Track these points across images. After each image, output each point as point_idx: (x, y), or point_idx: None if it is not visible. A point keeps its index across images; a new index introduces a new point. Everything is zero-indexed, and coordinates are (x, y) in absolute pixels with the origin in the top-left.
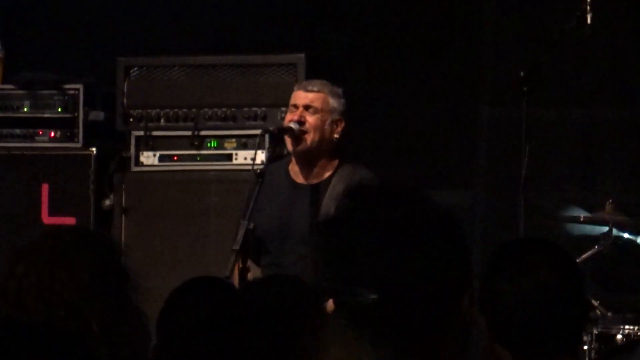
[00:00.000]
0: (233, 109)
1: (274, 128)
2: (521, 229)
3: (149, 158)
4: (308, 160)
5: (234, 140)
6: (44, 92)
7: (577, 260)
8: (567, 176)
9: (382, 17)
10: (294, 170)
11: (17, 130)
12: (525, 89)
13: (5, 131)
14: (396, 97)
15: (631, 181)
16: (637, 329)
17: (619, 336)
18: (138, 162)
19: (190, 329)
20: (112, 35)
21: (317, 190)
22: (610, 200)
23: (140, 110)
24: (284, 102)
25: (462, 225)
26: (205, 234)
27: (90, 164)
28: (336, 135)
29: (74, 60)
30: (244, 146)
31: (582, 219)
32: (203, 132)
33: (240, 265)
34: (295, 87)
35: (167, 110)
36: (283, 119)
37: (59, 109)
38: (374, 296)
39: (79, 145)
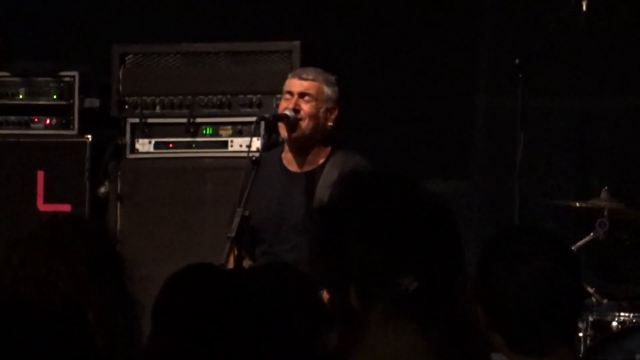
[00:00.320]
0: (228, 96)
1: (269, 115)
2: (516, 217)
3: (144, 145)
4: (302, 148)
5: (229, 127)
6: (40, 79)
7: (573, 248)
8: (562, 164)
9: (378, 6)
10: (287, 158)
11: (13, 118)
12: (520, 77)
13: (0, 118)
14: (392, 85)
15: (626, 169)
16: (633, 317)
17: (614, 323)
18: (133, 150)
19: (185, 317)
20: (108, 22)
21: (310, 178)
22: (606, 188)
23: (135, 98)
24: (279, 89)
25: (454, 214)
26: (201, 221)
27: (85, 152)
28: (330, 123)
29: (70, 48)
30: (239, 133)
31: (577, 207)
32: (198, 120)
33: (236, 253)
34: (289, 75)
35: (163, 97)
36: (278, 106)
37: (55, 97)
38: (415, 284)
39: (75, 132)
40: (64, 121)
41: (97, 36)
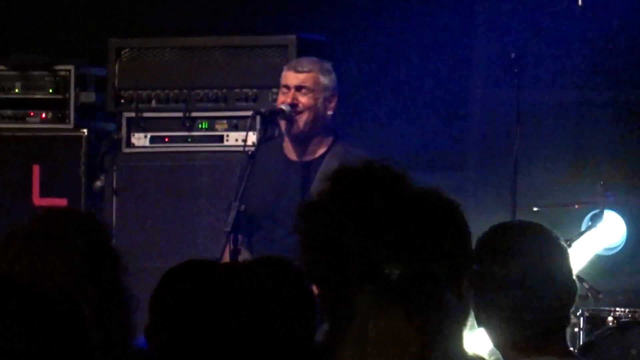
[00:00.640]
0: (224, 91)
1: (265, 110)
2: (512, 209)
3: (140, 139)
4: (302, 140)
5: (225, 121)
6: (35, 73)
7: (567, 241)
8: (557, 157)
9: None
10: (288, 147)
11: (8, 112)
12: (516, 70)
13: None
14: (387, 78)
15: (622, 162)
16: (628, 311)
17: (610, 318)
18: (129, 144)
19: (182, 311)
20: (104, 16)
21: (309, 168)
22: (602, 182)
23: (131, 92)
24: (275, 83)
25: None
26: (196, 215)
27: (81, 146)
28: (330, 112)
29: (66, 42)
30: (235, 127)
31: (572, 200)
32: (194, 114)
33: (231, 247)
34: (284, 68)
35: (158, 91)
36: (274, 100)
37: (50, 91)
38: (397, 272)
39: (70, 126)
40: (59, 115)
41: (93, 30)
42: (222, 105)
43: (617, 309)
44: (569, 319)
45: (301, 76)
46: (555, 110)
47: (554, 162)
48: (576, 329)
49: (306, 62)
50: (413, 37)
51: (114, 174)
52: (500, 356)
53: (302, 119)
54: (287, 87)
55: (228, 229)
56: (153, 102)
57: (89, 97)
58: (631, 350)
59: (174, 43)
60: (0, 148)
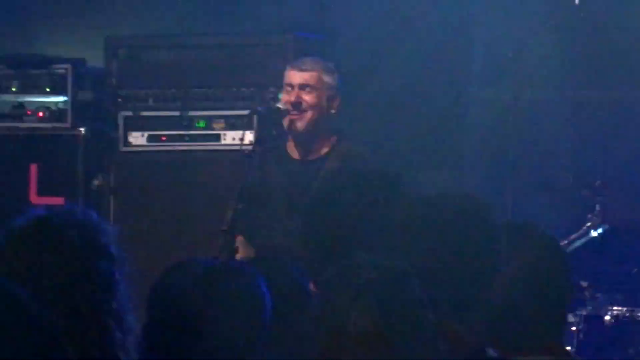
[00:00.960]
0: (221, 90)
1: (262, 108)
2: (509, 209)
3: (137, 138)
4: (305, 138)
5: (222, 120)
6: (33, 72)
7: (566, 241)
8: (554, 156)
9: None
10: (291, 146)
11: (6, 110)
12: (513, 70)
13: None
14: (385, 78)
15: (618, 161)
16: (626, 310)
17: (608, 317)
18: (126, 143)
19: (179, 310)
20: (102, 15)
21: (313, 167)
22: (599, 181)
23: (128, 91)
24: (272, 82)
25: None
26: (194, 213)
27: (79, 144)
28: (333, 111)
29: (63, 41)
30: (232, 126)
31: (569, 199)
32: (191, 113)
33: (229, 246)
34: (287, 67)
35: (156, 90)
36: (272, 99)
37: (48, 89)
38: (373, 275)
39: (68, 125)
40: (57, 114)
41: (90, 29)
42: (220, 104)
43: (615, 308)
44: (565, 319)
45: (305, 75)
46: (552, 110)
47: (551, 161)
48: (573, 328)
49: (310, 61)
50: (411, 36)
51: (112, 173)
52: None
53: (306, 118)
54: (291, 85)
55: (225, 227)
56: (150, 101)
57: (87, 96)
58: (629, 349)
59: (171, 42)
60: None
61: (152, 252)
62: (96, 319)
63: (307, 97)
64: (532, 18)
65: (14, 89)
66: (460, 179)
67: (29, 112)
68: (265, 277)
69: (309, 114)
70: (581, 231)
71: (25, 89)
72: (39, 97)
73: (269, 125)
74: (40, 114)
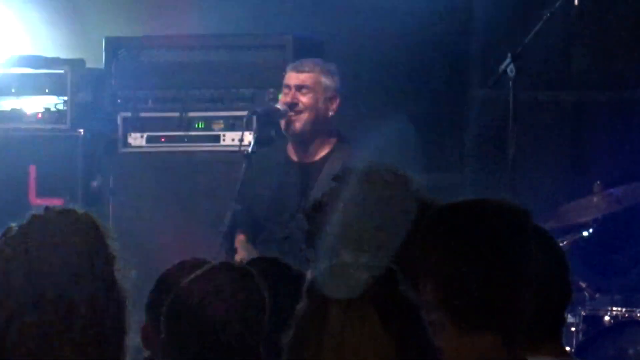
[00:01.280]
0: (221, 90)
1: (261, 109)
2: None
3: (136, 139)
4: (303, 140)
5: (221, 121)
6: (32, 73)
7: (565, 242)
8: (555, 157)
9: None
10: (291, 148)
11: (5, 112)
12: (513, 70)
13: None
14: (385, 78)
15: (619, 162)
16: (625, 311)
17: (607, 318)
18: (126, 144)
19: (179, 312)
20: (101, 16)
21: (312, 169)
22: (599, 182)
23: (128, 92)
24: (271, 83)
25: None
26: (193, 215)
27: (78, 146)
28: (331, 113)
29: (62, 42)
30: (231, 127)
31: (569, 200)
32: (191, 114)
33: (228, 247)
34: (287, 68)
35: (155, 91)
36: (271, 100)
37: (47, 90)
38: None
39: (67, 126)
40: (56, 115)
41: (90, 30)
42: (219, 105)
43: (614, 308)
44: (564, 319)
45: (302, 76)
46: (552, 110)
47: (550, 162)
48: (573, 329)
49: (308, 63)
50: (410, 37)
51: (111, 174)
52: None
53: (302, 119)
54: (289, 86)
55: (224, 229)
56: (150, 102)
57: (86, 97)
58: (628, 350)
59: (170, 43)
60: None
61: (151, 253)
62: (95, 319)
63: (303, 99)
64: (531, 17)
65: (13, 90)
66: (460, 181)
67: (28, 113)
68: (264, 278)
69: (304, 115)
70: (581, 232)
71: (24, 90)
72: (38, 98)
73: (268, 126)
74: (40, 115)
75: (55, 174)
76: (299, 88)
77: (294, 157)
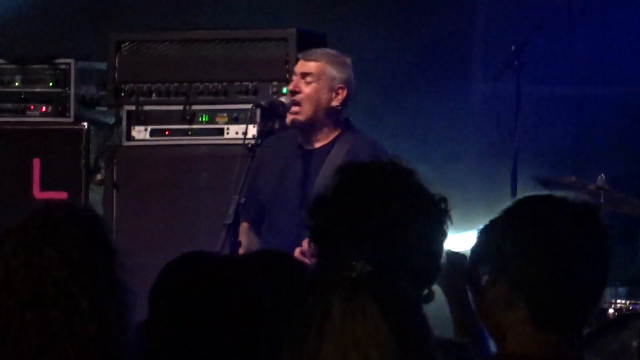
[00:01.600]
0: (224, 84)
1: (265, 102)
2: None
3: (140, 133)
4: (307, 130)
5: (225, 114)
6: (36, 66)
7: None
8: (558, 151)
9: None
10: (300, 136)
11: (9, 105)
12: (516, 64)
13: None
14: (387, 72)
15: (622, 155)
16: (629, 303)
17: (611, 310)
18: (129, 137)
19: (181, 304)
20: (104, 10)
21: (317, 155)
22: (602, 175)
23: (131, 85)
24: (275, 76)
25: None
26: (197, 208)
27: (81, 139)
28: (336, 103)
29: (66, 35)
30: (235, 120)
31: (573, 194)
32: (194, 107)
33: (231, 240)
34: (299, 56)
35: (159, 84)
36: (275, 93)
37: (51, 84)
38: (368, 268)
39: (71, 120)
40: (59, 109)
41: (93, 24)
42: (222, 98)
43: (618, 301)
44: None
45: (308, 64)
46: (555, 104)
47: (554, 156)
48: None
49: (317, 52)
50: (413, 31)
51: (114, 168)
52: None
53: (301, 111)
54: (295, 73)
55: (228, 221)
56: (153, 95)
57: (89, 90)
58: (632, 343)
59: (174, 36)
60: (0, 142)
61: (154, 246)
62: (96, 314)
63: (305, 88)
64: (535, 12)
65: (17, 84)
66: (463, 175)
67: (31, 107)
68: (269, 270)
69: (303, 107)
70: None
71: (28, 84)
72: (42, 91)
73: (272, 119)
74: (43, 108)
75: (58, 168)
76: (304, 76)
77: (304, 144)
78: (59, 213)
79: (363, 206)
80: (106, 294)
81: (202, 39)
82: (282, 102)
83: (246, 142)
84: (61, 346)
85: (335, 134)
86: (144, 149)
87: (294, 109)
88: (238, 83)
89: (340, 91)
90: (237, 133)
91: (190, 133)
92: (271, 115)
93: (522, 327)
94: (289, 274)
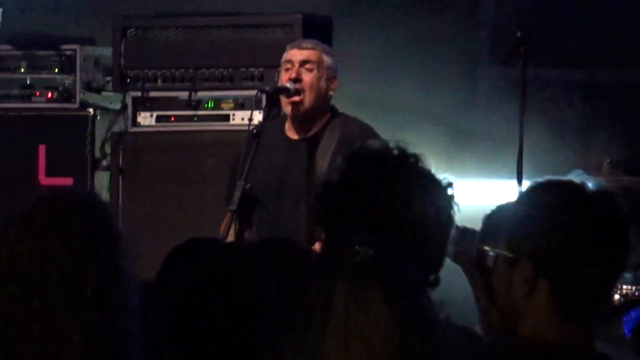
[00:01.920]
0: (230, 70)
1: (270, 88)
2: (517, 190)
3: (146, 119)
4: (304, 119)
5: (231, 100)
6: (41, 53)
7: None
8: (564, 136)
9: None
10: (289, 126)
11: (14, 91)
12: (523, 49)
13: (1, 92)
14: (394, 57)
15: (628, 141)
16: (635, 289)
17: (617, 296)
18: (135, 123)
19: (186, 290)
20: None
21: (309, 144)
22: (608, 160)
23: (137, 71)
24: (280, 62)
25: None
26: (202, 194)
27: (87, 125)
28: (331, 92)
29: (71, 21)
30: (241, 106)
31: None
32: (200, 93)
33: (237, 226)
34: (287, 47)
35: (164, 71)
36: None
37: (56, 70)
38: (371, 253)
39: (76, 106)
40: (65, 95)
41: (99, 9)
42: (228, 84)
43: (624, 286)
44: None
45: (305, 52)
46: (562, 88)
47: (559, 140)
48: None
49: (310, 40)
50: (420, 16)
51: (120, 154)
52: None
53: (305, 98)
54: (291, 62)
55: (233, 207)
56: (159, 81)
57: (95, 76)
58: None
59: (179, 22)
60: (5, 128)
61: (159, 232)
62: (100, 302)
63: (307, 77)
64: None
65: (22, 70)
66: (469, 160)
67: (37, 93)
68: (274, 258)
69: (306, 94)
70: None
71: (33, 70)
72: (47, 77)
73: (278, 105)
74: (49, 94)
75: (64, 154)
76: (303, 63)
77: (292, 135)
78: (63, 200)
79: (371, 191)
80: (110, 281)
81: (208, 25)
82: (287, 88)
83: (251, 127)
84: (65, 334)
85: (325, 120)
86: (149, 135)
87: (296, 98)
88: (244, 69)
89: (334, 80)
90: (242, 119)
91: (195, 119)
92: (277, 101)
93: (541, 311)
94: (294, 261)
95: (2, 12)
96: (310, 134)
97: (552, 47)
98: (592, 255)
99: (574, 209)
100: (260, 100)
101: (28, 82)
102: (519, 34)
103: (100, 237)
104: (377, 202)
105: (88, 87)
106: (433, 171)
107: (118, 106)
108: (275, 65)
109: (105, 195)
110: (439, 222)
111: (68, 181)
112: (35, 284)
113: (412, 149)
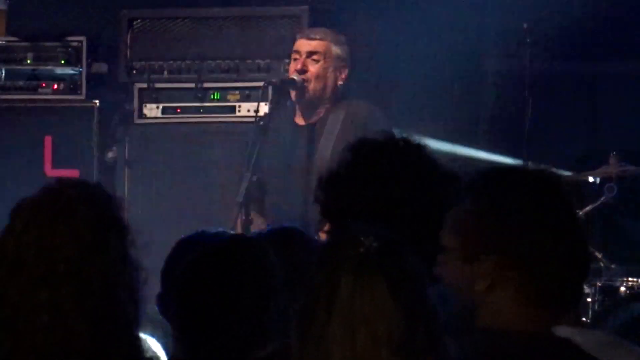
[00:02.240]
0: (236, 61)
1: (276, 80)
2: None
3: (152, 110)
4: (308, 105)
5: (237, 92)
6: (48, 44)
7: (581, 213)
8: (570, 128)
9: None
10: (298, 113)
11: (21, 83)
12: (528, 41)
13: (8, 83)
14: (400, 49)
15: (634, 133)
16: None
17: (623, 288)
18: (141, 115)
19: (193, 280)
20: None
21: (313, 129)
22: (614, 152)
23: (143, 63)
24: (287, 54)
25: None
26: (208, 186)
27: (93, 117)
28: (340, 82)
29: (78, 13)
30: (247, 98)
31: (585, 172)
32: (206, 84)
33: (243, 217)
34: (297, 36)
35: (171, 62)
36: (286, 70)
37: (63, 62)
38: (376, 244)
39: (82, 97)
40: (71, 86)
41: (105, 1)
42: (234, 75)
43: (630, 279)
44: (583, 288)
45: (313, 43)
46: (568, 82)
47: (566, 133)
48: (589, 299)
49: (319, 31)
50: (426, 8)
51: (126, 145)
52: None
53: (310, 88)
54: (299, 52)
55: (240, 199)
56: (165, 73)
57: (101, 68)
58: None
59: (186, 14)
60: (12, 119)
61: (165, 223)
62: (108, 292)
63: (313, 68)
64: None
65: (28, 61)
66: (474, 152)
67: (43, 84)
68: (280, 247)
69: (312, 85)
70: (596, 204)
71: (40, 61)
72: (53, 69)
73: (284, 97)
74: (55, 86)
75: (70, 145)
76: (310, 54)
77: (300, 121)
78: (70, 190)
79: (375, 182)
80: (117, 271)
81: (214, 17)
82: (293, 80)
83: (257, 119)
84: (72, 324)
85: (330, 104)
86: (155, 127)
87: (304, 88)
88: (250, 60)
89: (343, 70)
90: (248, 111)
91: (201, 111)
92: (283, 93)
93: (503, 302)
94: (300, 250)
95: (9, 4)
96: (316, 118)
97: (559, 38)
98: (555, 239)
99: (528, 198)
100: (266, 91)
101: (34, 73)
102: (525, 26)
103: (107, 227)
104: (382, 193)
105: (94, 78)
106: (437, 162)
107: (124, 98)
108: (281, 56)
109: (111, 187)
110: (443, 212)
111: (74, 172)
112: (42, 274)
113: (416, 140)
